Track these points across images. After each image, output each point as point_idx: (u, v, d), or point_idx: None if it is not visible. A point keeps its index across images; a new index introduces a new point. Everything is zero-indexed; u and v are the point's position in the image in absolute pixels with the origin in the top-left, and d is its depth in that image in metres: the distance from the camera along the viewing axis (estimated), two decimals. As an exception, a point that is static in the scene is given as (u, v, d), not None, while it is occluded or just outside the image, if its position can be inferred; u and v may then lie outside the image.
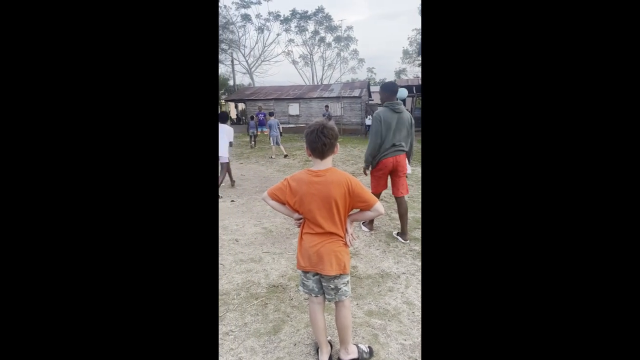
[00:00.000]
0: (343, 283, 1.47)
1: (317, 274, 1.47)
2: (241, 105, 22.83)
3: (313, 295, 1.51)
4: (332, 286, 1.46)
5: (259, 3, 27.51)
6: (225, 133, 4.72)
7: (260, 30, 27.73)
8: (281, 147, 8.92)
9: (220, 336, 1.80)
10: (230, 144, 4.91)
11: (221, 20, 19.79)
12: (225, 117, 4.91)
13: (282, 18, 27.96)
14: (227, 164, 4.93)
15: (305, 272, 1.49)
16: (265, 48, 30.32)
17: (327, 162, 1.42)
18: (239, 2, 26.07)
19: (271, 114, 9.34)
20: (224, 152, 4.73)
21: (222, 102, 24.68)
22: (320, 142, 1.37)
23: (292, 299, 2.14)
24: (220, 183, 4.81)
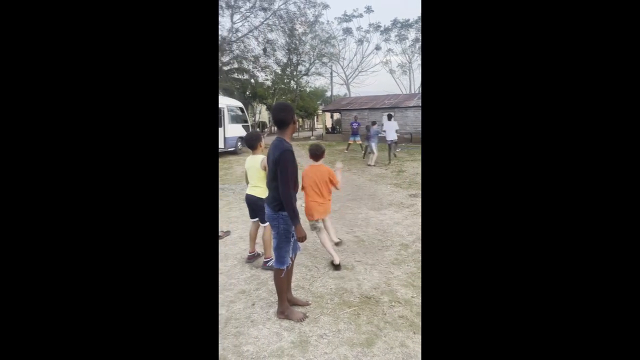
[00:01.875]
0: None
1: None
2: (336, 115, 23.67)
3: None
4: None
5: (361, 16, 28.23)
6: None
7: (360, 42, 28.38)
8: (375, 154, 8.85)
9: (314, 338, 1.86)
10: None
11: (324, 35, 20.97)
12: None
13: (382, 29, 28.09)
14: None
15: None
16: (364, 59, 30.88)
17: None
18: (342, 17, 27.26)
19: (373, 123, 9.43)
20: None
21: (320, 112, 25.99)
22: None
23: (385, 314, 2.08)
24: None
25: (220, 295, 2.36)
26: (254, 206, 2.78)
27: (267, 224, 2.76)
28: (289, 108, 1.99)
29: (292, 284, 2.53)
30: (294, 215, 1.88)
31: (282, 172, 1.84)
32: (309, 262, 2.91)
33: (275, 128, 2.01)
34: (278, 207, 1.92)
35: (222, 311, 2.16)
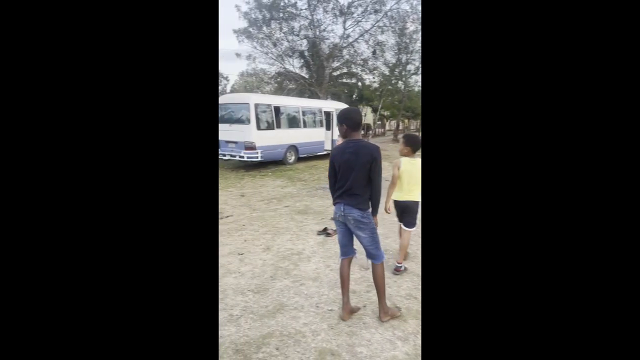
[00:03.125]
0: None
1: None
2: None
3: None
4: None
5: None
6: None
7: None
8: None
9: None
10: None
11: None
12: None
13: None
14: None
15: None
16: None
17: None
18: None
19: None
20: None
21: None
22: None
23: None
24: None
25: (331, 292, 2.45)
26: (409, 210, 2.76)
27: (413, 228, 2.81)
28: (359, 112, 2.14)
29: (405, 292, 2.44)
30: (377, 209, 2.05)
31: (379, 168, 1.96)
32: (419, 270, 2.75)
33: (347, 130, 2.02)
34: (367, 205, 1.99)
35: (335, 308, 2.24)
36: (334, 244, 3.31)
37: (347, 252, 2.13)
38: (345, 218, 2.00)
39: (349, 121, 1.99)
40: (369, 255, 2.06)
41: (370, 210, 2.01)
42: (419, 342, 1.84)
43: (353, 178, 1.95)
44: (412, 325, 2.00)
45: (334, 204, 2.07)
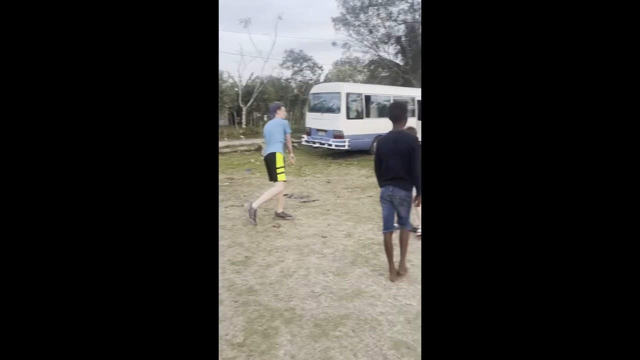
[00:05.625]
0: None
1: None
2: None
3: None
4: None
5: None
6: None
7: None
8: None
9: None
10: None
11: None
12: None
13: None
14: None
15: None
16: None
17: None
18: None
19: None
20: None
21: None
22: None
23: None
24: None
25: (410, 287, 2.41)
26: None
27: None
28: (399, 106, 2.53)
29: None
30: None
31: (418, 155, 2.30)
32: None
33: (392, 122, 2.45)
34: (410, 186, 2.40)
35: (414, 303, 2.20)
36: (415, 240, 3.21)
37: (389, 226, 2.54)
38: (393, 197, 2.43)
39: (390, 115, 2.46)
40: (403, 223, 2.53)
41: (412, 191, 2.41)
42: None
43: (396, 164, 2.35)
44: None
45: (382, 186, 2.50)
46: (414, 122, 10.40)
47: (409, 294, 2.33)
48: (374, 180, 2.70)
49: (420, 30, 15.73)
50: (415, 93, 10.92)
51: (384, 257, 2.80)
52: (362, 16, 15.97)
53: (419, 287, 2.41)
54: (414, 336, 1.86)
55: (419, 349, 1.75)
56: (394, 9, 15.72)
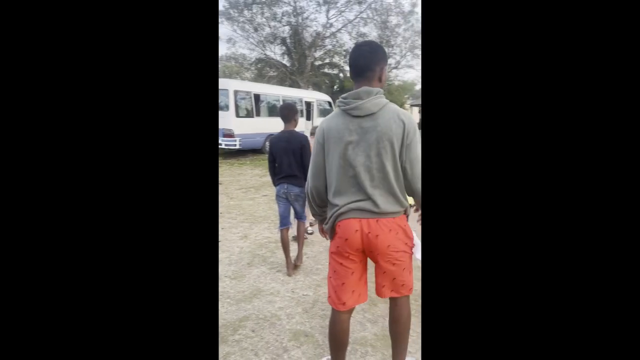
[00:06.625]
0: None
1: None
2: (425, 110, 22.38)
3: None
4: None
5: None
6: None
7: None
8: None
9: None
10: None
11: (418, 26, 19.95)
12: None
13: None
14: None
15: None
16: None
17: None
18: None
19: None
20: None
21: (407, 106, 25.00)
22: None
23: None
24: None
25: (307, 278, 2.55)
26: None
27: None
28: (288, 107, 2.62)
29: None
30: None
31: (309, 153, 2.37)
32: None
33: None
34: (303, 182, 2.45)
35: (310, 293, 2.34)
36: (313, 235, 3.40)
37: (286, 222, 2.63)
38: (288, 194, 2.55)
39: (281, 115, 2.58)
40: (298, 217, 2.68)
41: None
42: (387, 324, 1.97)
43: (289, 162, 2.47)
44: (381, 309, 2.13)
45: (276, 184, 2.58)
46: (303, 123, 10.88)
47: (306, 285, 2.45)
48: (268, 179, 2.73)
49: (303, 34, 16.48)
50: (304, 94, 11.43)
51: (281, 254, 2.87)
52: (246, 12, 15.69)
53: (315, 277, 2.57)
54: (312, 324, 1.98)
55: (317, 334, 1.87)
56: (279, 10, 16.01)
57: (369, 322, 2.00)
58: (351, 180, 1.24)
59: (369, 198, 1.22)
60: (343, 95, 1.27)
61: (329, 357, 1.65)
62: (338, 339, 1.43)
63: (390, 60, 18.74)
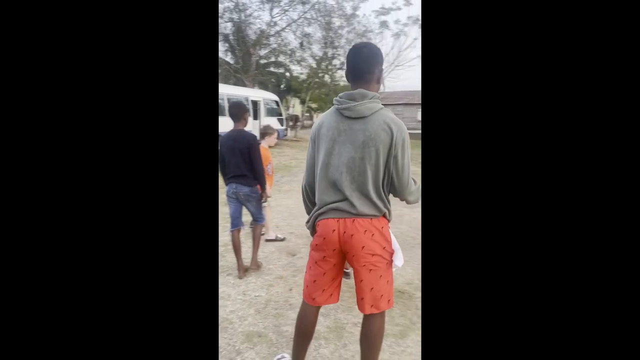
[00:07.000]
0: None
1: None
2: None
3: None
4: None
5: (399, 9, 27.37)
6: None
7: (397, 36, 27.66)
8: None
9: (349, 325, 1.96)
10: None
11: (360, 29, 20.75)
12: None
13: (420, 22, 27.14)
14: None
15: None
16: (401, 53, 30.09)
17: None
18: (379, 9, 26.73)
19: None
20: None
21: (352, 106, 25.67)
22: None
23: (417, 309, 2.13)
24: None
25: (259, 279, 2.52)
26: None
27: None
28: (236, 106, 2.60)
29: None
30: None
31: (257, 152, 2.45)
32: (343, 254, 3.00)
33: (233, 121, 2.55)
34: (253, 182, 2.50)
35: (262, 293, 2.32)
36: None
37: (237, 223, 2.60)
38: (237, 194, 2.51)
39: (230, 113, 2.54)
40: (255, 218, 2.65)
41: (256, 186, 2.51)
42: (340, 316, 2.05)
43: (237, 162, 2.44)
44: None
45: (226, 184, 2.53)
46: (250, 122, 10.65)
47: (258, 286, 2.43)
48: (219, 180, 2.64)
49: (247, 31, 16.08)
50: (250, 93, 11.17)
51: (230, 257, 2.79)
52: (184, 6, 14.82)
53: (267, 277, 2.55)
54: (265, 324, 1.97)
55: (270, 334, 1.87)
56: (220, 5, 15.41)
57: (321, 316, 2.05)
58: (333, 179, 1.25)
59: (346, 199, 1.23)
60: (340, 94, 1.27)
61: (284, 354, 1.67)
62: (303, 330, 1.44)
63: (335, 61, 19.19)
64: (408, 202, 1.33)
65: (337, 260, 1.32)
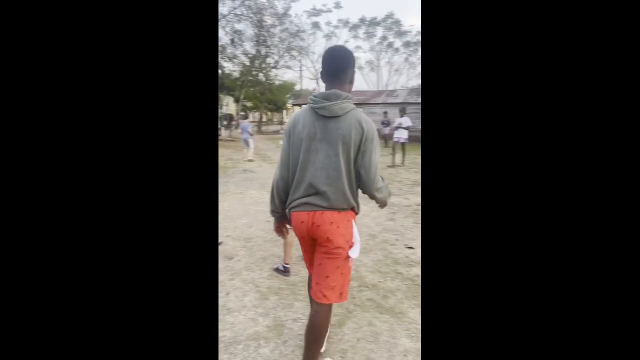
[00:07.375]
0: None
1: None
2: (306, 110, 23.58)
3: None
4: None
5: (330, 11, 28.25)
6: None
7: (329, 37, 28.44)
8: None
9: (289, 321, 1.97)
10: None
11: (293, 29, 20.86)
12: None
13: (351, 25, 28.37)
14: None
15: None
16: (333, 54, 30.91)
17: None
18: (311, 10, 27.17)
19: (245, 118, 10.71)
20: None
21: (289, 106, 25.85)
22: None
23: (354, 298, 2.24)
24: None
25: (194, 287, 2.39)
26: None
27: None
28: None
29: (268, 273, 2.62)
30: None
31: None
32: (282, 253, 3.00)
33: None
34: None
35: (197, 301, 2.21)
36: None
37: None
38: None
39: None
40: None
41: None
42: (280, 314, 2.05)
43: None
44: (273, 302, 2.20)
45: None
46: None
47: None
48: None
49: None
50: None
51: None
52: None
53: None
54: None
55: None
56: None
57: (261, 317, 2.04)
58: (308, 174, 1.32)
59: (320, 193, 1.31)
60: (314, 94, 1.34)
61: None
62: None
63: (269, 60, 18.99)
64: (377, 201, 1.42)
65: (309, 245, 1.47)
